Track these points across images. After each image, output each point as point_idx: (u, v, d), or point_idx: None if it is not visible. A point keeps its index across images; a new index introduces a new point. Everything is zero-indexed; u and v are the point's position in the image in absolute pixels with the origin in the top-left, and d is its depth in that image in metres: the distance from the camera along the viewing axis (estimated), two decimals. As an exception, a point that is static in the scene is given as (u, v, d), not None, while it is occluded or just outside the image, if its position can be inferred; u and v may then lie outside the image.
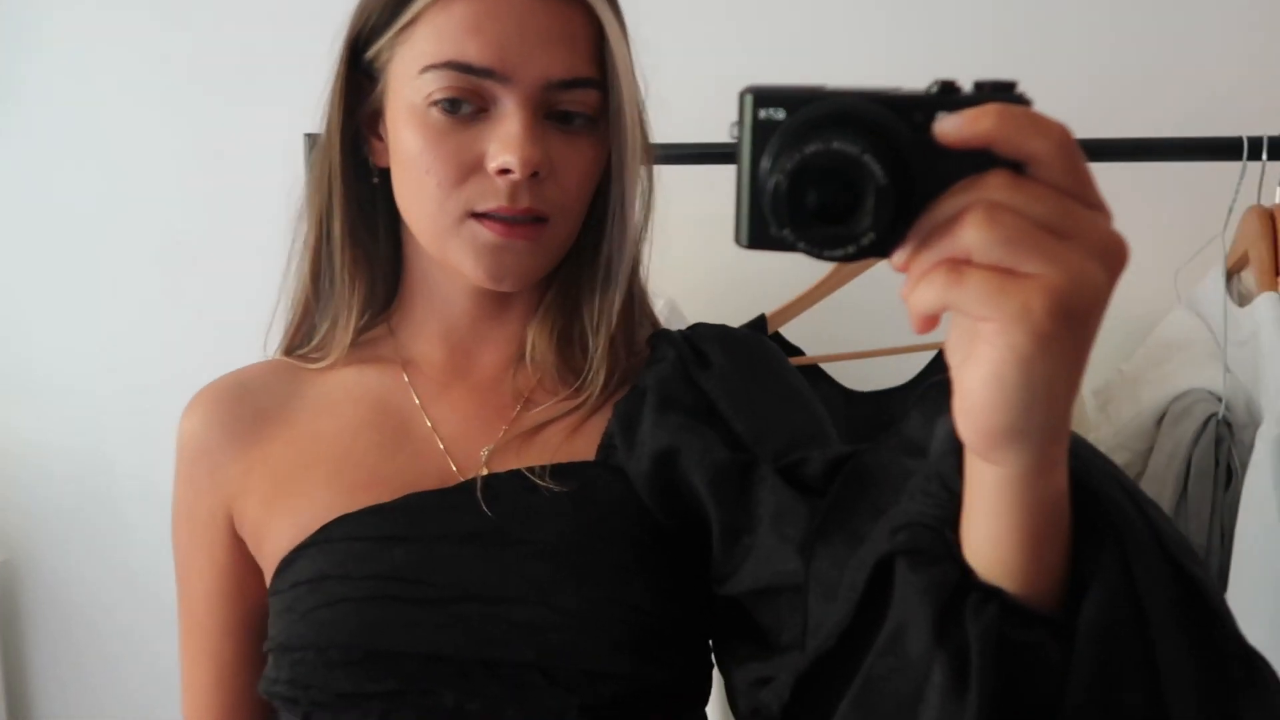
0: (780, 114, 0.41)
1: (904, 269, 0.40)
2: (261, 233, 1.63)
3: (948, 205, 0.38)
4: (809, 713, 0.53)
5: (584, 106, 0.67)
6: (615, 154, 0.69)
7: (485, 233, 0.66)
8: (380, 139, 0.72)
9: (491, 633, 0.65)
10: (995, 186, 0.37)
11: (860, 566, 0.50)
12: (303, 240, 0.76)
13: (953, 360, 0.41)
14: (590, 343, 0.73)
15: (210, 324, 1.70)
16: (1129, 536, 0.44)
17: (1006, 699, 0.42)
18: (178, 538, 0.79)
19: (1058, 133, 0.37)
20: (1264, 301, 0.98)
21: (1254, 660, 0.45)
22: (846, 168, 0.38)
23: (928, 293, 0.38)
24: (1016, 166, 0.38)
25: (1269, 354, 0.94)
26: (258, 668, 0.74)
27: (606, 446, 0.71)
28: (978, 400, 0.39)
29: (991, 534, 0.43)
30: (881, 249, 0.39)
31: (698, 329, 0.75)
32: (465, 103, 0.65)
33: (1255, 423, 0.93)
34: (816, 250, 0.39)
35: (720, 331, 0.75)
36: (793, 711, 0.54)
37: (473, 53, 0.64)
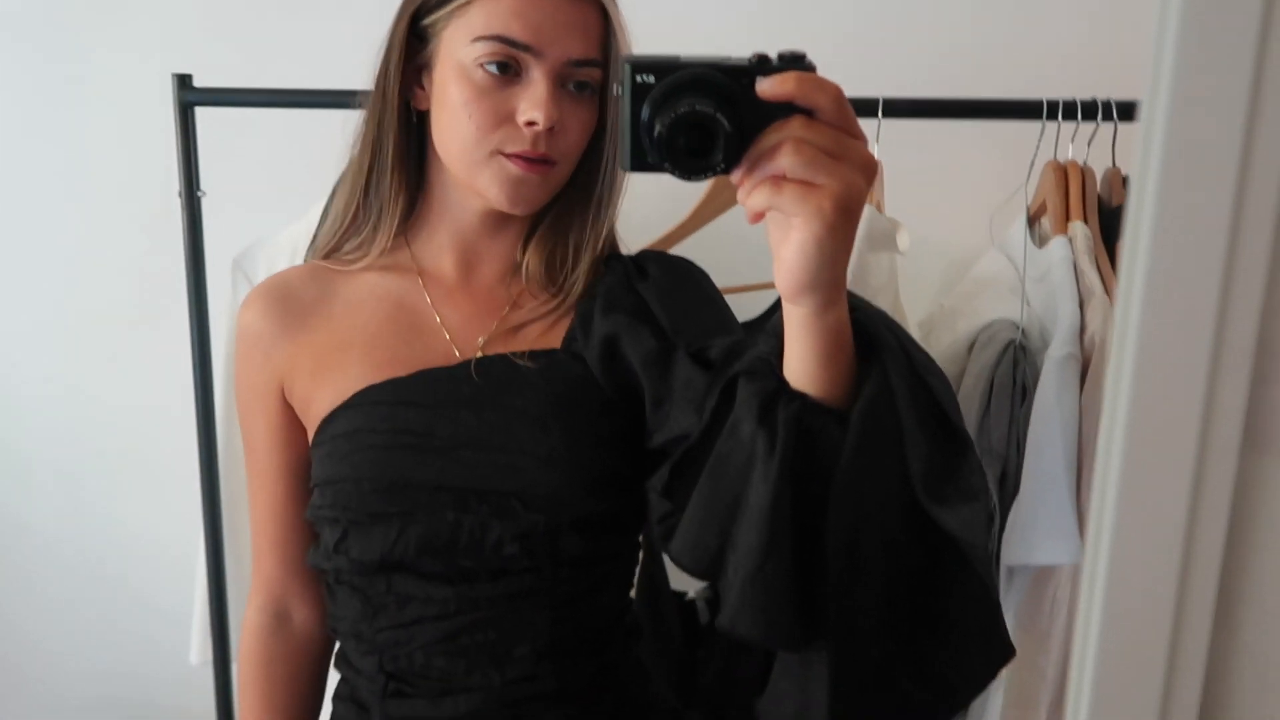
0: (651, 78, 0.60)
1: (740, 184, 0.61)
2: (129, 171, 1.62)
3: (768, 139, 0.59)
4: (681, 487, 0.74)
5: (590, 79, 0.86)
6: (610, 119, 0.89)
7: (512, 167, 0.85)
8: (423, 88, 0.90)
9: (482, 471, 0.86)
10: (797, 126, 0.59)
11: (716, 387, 0.73)
12: (359, 162, 0.93)
13: (772, 241, 0.63)
14: (571, 262, 0.93)
15: (70, 263, 1.68)
16: (889, 358, 0.68)
17: (802, 459, 0.66)
18: (241, 405, 0.99)
19: (833, 90, 0.60)
20: (1056, 244, 1.13)
21: (960, 434, 0.70)
22: (706, 121, 0.58)
23: (759, 198, 0.60)
24: (809, 113, 0.59)
25: (1059, 289, 1.09)
26: (302, 503, 0.97)
27: (570, 339, 0.91)
28: (790, 266, 0.61)
29: (798, 356, 0.66)
30: (727, 171, 0.60)
31: (643, 253, 0.97)
32: (506, 67, 0.83)
33: (1047, 348, 1.08)
34: (685, 175, 0.60)
35: (659, 255, 0.97)
36: (670, 489, 0.76)
37: (516, 30, 0.83)
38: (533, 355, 0.90)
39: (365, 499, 0.87)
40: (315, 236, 1.30)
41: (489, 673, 0.87)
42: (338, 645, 0.99)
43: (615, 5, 0.89)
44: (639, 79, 0.60)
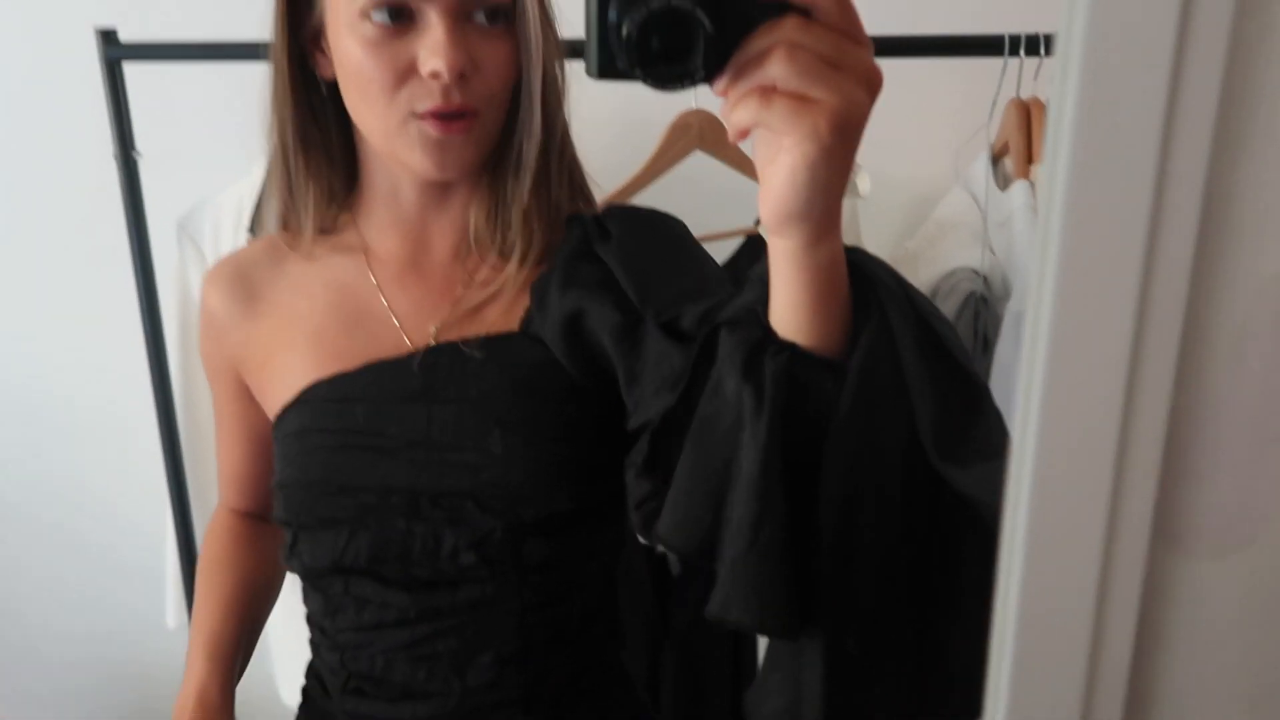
0: None
1: (723, 94, 0.52)
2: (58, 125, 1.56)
3: (756, 44, 0.50)
4: (663, 459, 0.66)
5: (499, 4, 0.75)
6: (522, 49, 0.78)
7: (427, 129, 0.75)
8: (323, 53, 0.81)
9: (434, 471, 0.80)
10: (791, 29, 0.49)
11: (693, 345, 0.65)
12: (271, 145, 0.86)
13: (759, 163, 0.54)
14: (507, 217, 0.84)
15: (10, 232, 1.63)
16: (889, 301, 0.58)
17: (794, 418, 0.57)
18: (207, 366, 0.96)
19: None
20: (1018, 188, 1.10)
21: (975, 383, 0.60)
22: (683, 20, 0.49)
23: (744, 113, 0.51)
24: (805, 12, 0.50)
25: (1020, 237, 1.07)
26: (265, 462, 0.95)
27: (527, 319, 0.83)
28: (778, 192, 0.53)
29: (786, 299, 0.57)
30: (708, 79, 0.51)
31: (609, 209, 0.85)
32: (397, 13, 0.73)
33: (1008, 297, 1.07)
34: (659, 84, 0.51)
35: (626, 210, 0.85)
36: (652, 464, 0.67)
37: None
38: (486, 342, 0.82)
39: (314, 504, 0.82)
40: (263, 196, 1.26)
41: (450, 680, 0.83)
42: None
43: None
44: None
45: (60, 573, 1.78)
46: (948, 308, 1.09)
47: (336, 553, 0.81)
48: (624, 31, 0.50)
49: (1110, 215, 0.26)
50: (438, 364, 0.82)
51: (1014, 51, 1.10)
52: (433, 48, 0.73)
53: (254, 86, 1.09)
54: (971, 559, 0.60)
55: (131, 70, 1.23)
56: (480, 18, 0.75)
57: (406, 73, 0.74)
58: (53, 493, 1.74)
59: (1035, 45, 1.10)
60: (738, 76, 0.51)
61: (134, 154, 1.26)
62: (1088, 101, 0.28)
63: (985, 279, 1.10)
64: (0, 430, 1.72)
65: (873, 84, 0.51)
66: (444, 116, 0.75)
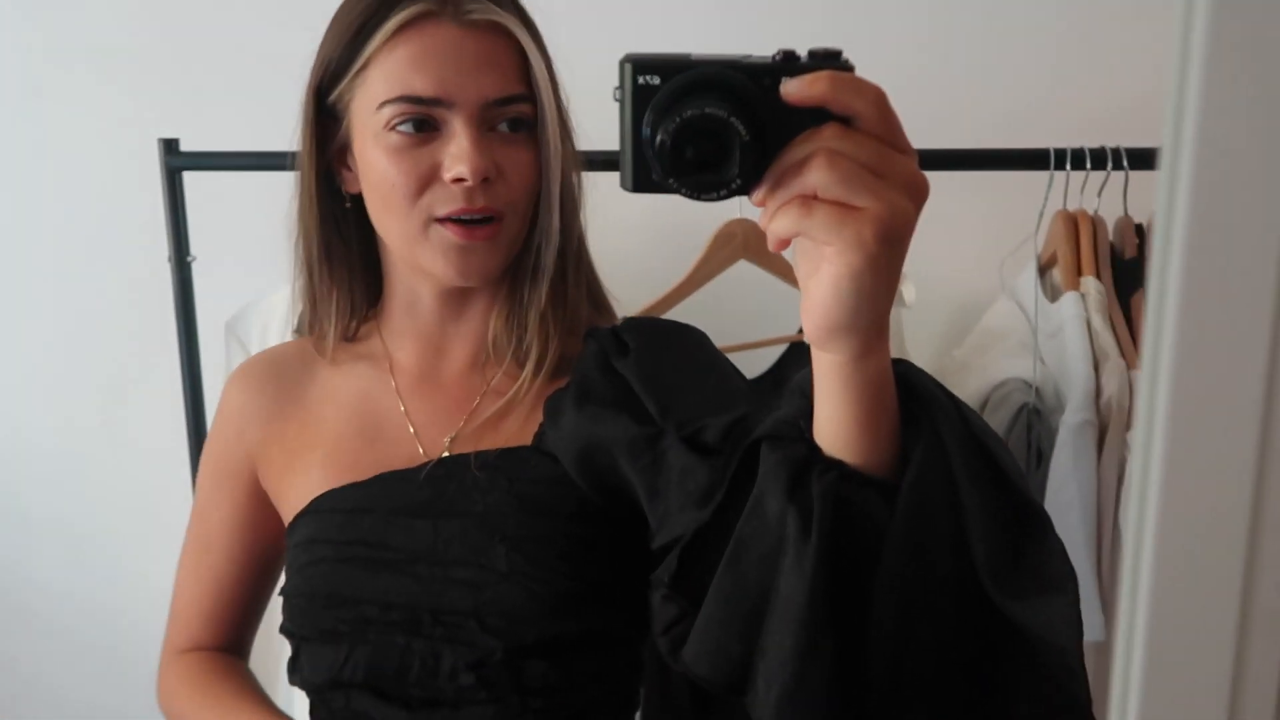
0: (656, 80, 0.50)
1: (761, 204, 0.51)
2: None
3: (795, 152, 0.48)
4: (693, 581, 0.63)
5: (521, 115, 0.78)
6: (542, 157, 0.80)
7: (450, 235, 0.77)
8: (349, 169, 0.84)
9: (436, 588, 0.78)
10: (831, 136, 0.48)
11: (733, 459, 0.62)
12: (296, 256, 0.89)
13: (800, 274, 0.53)
14: (524, 325, 0.84)
15: (60, 328, 1.65)
16: (942, 419, 0.56)
17: (843, 542, 0.54)
18: (203, 479, 0.94)
19: (875, 93, 0.49)
20: (1068, 300, 1.09)
21: (1035, 510, 0.57)
22: (718, 128, 0.48)
23: (784, 222, 0.49)
24: (845, 120, 0.49)
25: (1071, 348, 1.05)
26: (247, 591, 0.93)
27: (540, 434, 0.82)
28: (821, 304, 0.51)
29: (833, 415, 0.55)
30: (745, 189, 0.50)
31: (627, 321, 0.84)
32: (421, 124, 0.76)
33: (1061, 409, 1.04)
34: (695, 194, 0.49)
35: (644, 323, 0.84)
36: (680, 582, 0.64)
37: (419, 86, 0.75)
38: (498, 455, 0.81)
39: (316, 615, 0.81)
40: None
41: None
42: None
43: (528, 28, 0.79)
44: (641, 80, 0.50)
45: (96, 651, 1.75)
46: (1000, 418, 1.07)
47: (335, 667, 0.79)
48: (658, 141, 0.49)
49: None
50: (446, 476, 0.81)
51: (1060, 166, 1.10)
52: (457, 154, 0.75)
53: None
54: (1029, 687, 0.57)
55: (190, 178, 1.26)
56: (503, 127, 0.78)
57: (429, 178, 0.76)
58: (94, 591, 1.72)
59: (1081, 160, 1.10)
60: (777, 185, 0.49)
61: (189, 259, 1.28)
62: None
63: (1037, 390, 1.08)
64: (44, 544, 1.71)
65: (918, 192, 0.50)
66: (467, 222, 0.77)
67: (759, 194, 0.50)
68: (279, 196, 1.45)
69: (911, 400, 0.57)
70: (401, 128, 0.76)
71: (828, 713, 0.56)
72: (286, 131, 1.29)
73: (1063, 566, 0.56)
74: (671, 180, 0.49)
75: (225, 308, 1.35)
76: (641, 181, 0.51)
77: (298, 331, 1.31)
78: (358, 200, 0.84)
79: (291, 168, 1.22)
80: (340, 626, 0.80)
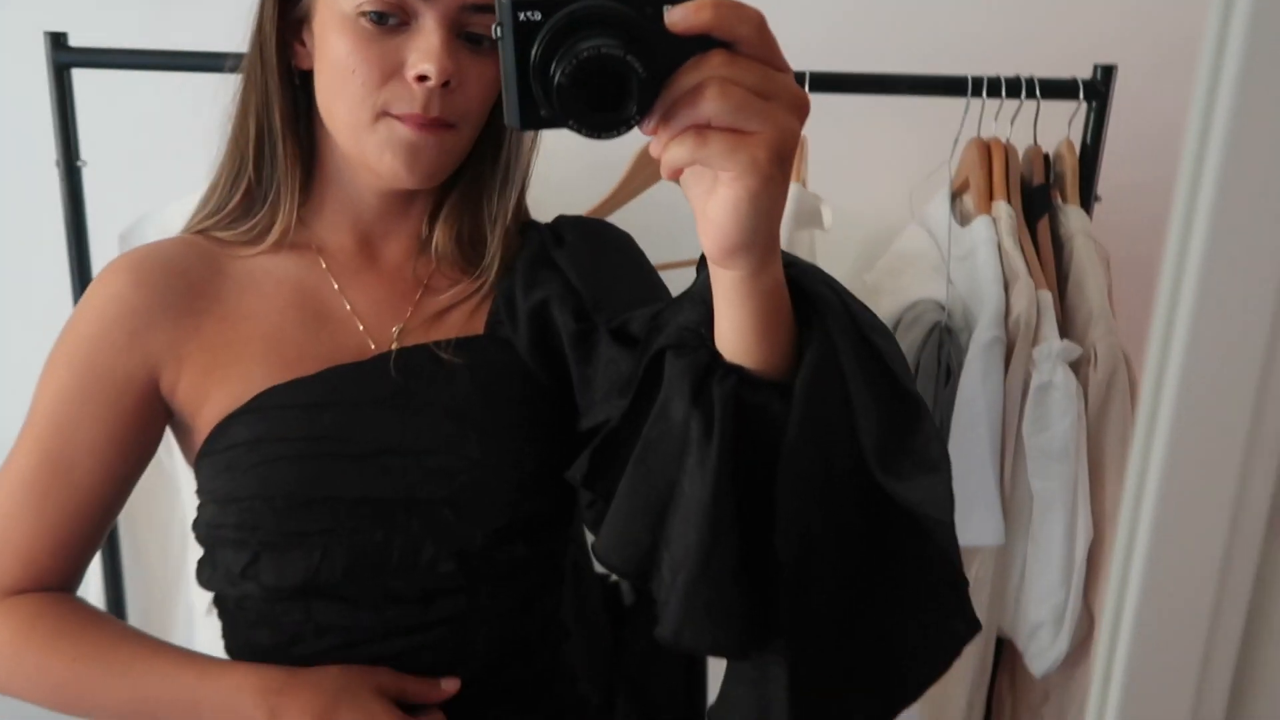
0: (537, 15, 0.49)
1: (654, 133, 0.52)
2: None
3: (684, 81, 0.50)
4: (604, 478, 0.67)
5: (490, 29, 0.74)
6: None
7: (401, 128, 0.75)
8: (303, 44, 0.80)
9: (410, 479, 0.77)
10: (718, 64, 0.50)
11: (640, 363, 0.65)
12: (241, 132, 0.82)
13: (693, 197, 0.54)
14: (488, 236, 0.84)
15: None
16: (832, 320, 0.60)
17: (744, 441, 0.58)
18: (61, 392, 0.80)
19: (755, 16, 0.50)
20: (980, 223, 1.13)
21: (914, 399, 0.62)
22: (616, 67, 0.48)
23: (680, 151, 0.51)
24: (728, 45, 0.50)
25: (982, 270, 1.09)
26: (102, 523, 0.82)
27: (494, 322, 0.83)
28: (720, 226, 0.53)
29: (732, 324, 0.58)
30: (639, 123, 0.50)
31: (559, 219, 0.87)
32: (390, 15, 0.73)
33: (970, 328, 1.08)
34: (594, 133, 0.50)
35: (577, 220, 0.88)
36: (591, 479, 0.69)
37: None
38: (457, 344, 0.81)
39: (280, 518, 0.76)
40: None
41: None
42: None
43: None
44: (522, 16, 0.49)
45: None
46: (912, 337, 1.10)
47: (309, 571, 0.76)
48: (555, 81, 0.48)
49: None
50: (410, 367, 0.80)
51: (977, 93, 1.13)
52: (426, 52, 0.73)
53: (206, 95, 1.05)
54: (914, 560, 0.64)
55: (80, 77, 1.19)
56: (469, 37, 0.75)
57: (391, 73, 0.74)
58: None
59: (996, 87, 1.13)
60: (669, 116, 0.51)
61: (78, 163, 1.21)
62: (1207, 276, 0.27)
63: (948, 310, 1.12)
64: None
65: (802, 109, 0.52)
66: (422, 122, 0.75)
67: (650, 124, 0.51)
68: (178, 100, 1.38)
69: (804, 303, 0.61)
70: (372, 14, 0.73)
71: (731, 597, 0.60)
72: (188, 31, 1.23)
73: (938, 449, 0.61)
74: (571, 121, 0.49)
75: (120, 218, 1.28)
76: (529, 118, 0.51)
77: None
78: (306, 78, 0.80)
79: (190, 68, 1.17)
80: (310, 527, 0.76)
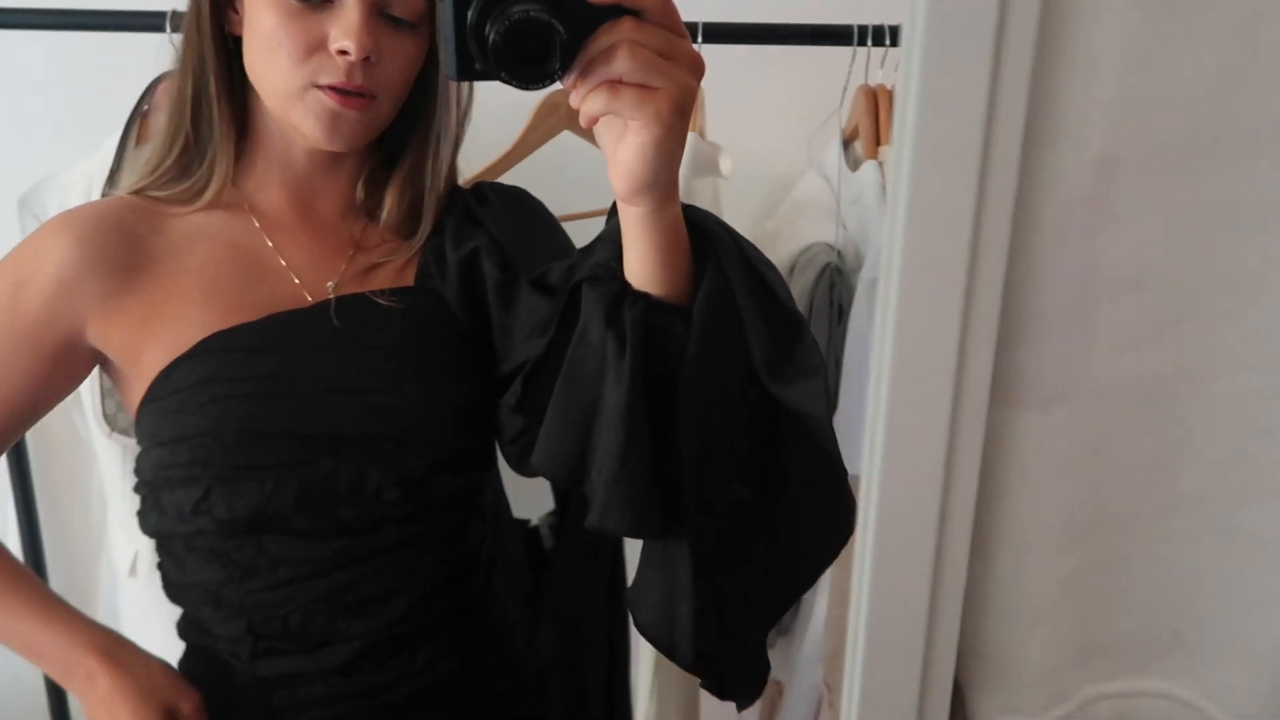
0: None
1: (573, 87, 0.62)
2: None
3: (599, 43, 0.60)
4: (535, 400, 0.77)
5: (410, 13, 0.82)
6: (439, 52, 0.84)
7: (325, 100, 0.81)
8: (236, 11, 0.85)
9: (354, 414, 0.84)
10: (628, 28, 0.60)
11: (560, 297, 0.75)
12: (180, 94, 0.87)
13: (604, 143, 0.64)
14: (425, 201, 0.91)
15: None
16: (724, 252, 0.70)
17: (652, 358, 0.68)
18: (13, 319, 0.84)
19: None
20: (867, 168, 1.18)
21: (795, 316, 0.72)
22: (541, 29, 0.58)
23: (595, 103, 0.61)
24: (636, 13, 0.60)
25: (870, 212, 1.14)
26: None
27: (423, 275, 0.90)
28: (629, 168, 0.63)
29: (639, 256, 0.68)
30: (560, 77, 0.60)
31: (480, 184, 0.97)
32: None
33: (860, 268, 1.14)
34: (522, 84, 0.60)
35: (497, 185, 0.97)
36: (524, 403, 0.79)
37: None
38: (391, 294, 0.88)
39: (230, 452, 0.81)
40: (117, 170, 1.21)
41: (370, 621, 0.86)
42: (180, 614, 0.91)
43: None
44: None
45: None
46: (806, 279, 1.15)
47: (262, 501, 0.81)
48: (490, 38, 0.58)
49: (951, 116, 0.30)
50: (348, 312, 0.87)
51: (862, 41, 1.17)
52: (345, 28, 0.79)
53: (104, 55, 1.05)
54: (800, 456, 0.74)
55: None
56: (390, 19, 0.82)
57: (315, 47, 0.80)
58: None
59: (881, 36, 1.18)
60: (586, 72, 0.61)
61: (-29, 125, 1.19)
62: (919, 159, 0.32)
63: (839, 252, 1.17)
64: None
65: (698, 69, 0.63)
66: (343, 92, 0.81)
67: (570, 79, 0.61)
68: (75, 62, 1.36)
69: (701, 240, 0.71)
70: None
71: (645, 488, 0.70)
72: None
73: (816, 358, 0.71)
74: (503, 74, 0.59)
75: (15, 184, 1.27)
76: (465, 71, 0.61)
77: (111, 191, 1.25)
78: (239, 43, 0.85)
79: (86, 27, 1.16)
80: (260, 460, 0.82)
